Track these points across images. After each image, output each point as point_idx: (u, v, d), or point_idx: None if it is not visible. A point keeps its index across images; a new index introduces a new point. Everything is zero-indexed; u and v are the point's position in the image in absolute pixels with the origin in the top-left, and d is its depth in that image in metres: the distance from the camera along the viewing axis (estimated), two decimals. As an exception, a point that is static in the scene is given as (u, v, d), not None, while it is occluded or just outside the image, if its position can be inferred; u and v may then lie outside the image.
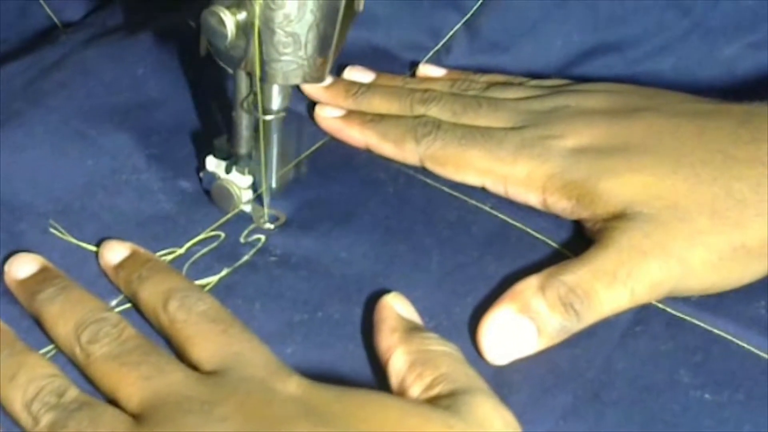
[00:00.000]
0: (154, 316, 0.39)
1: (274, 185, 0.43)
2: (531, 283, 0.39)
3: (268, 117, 0.41)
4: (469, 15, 0.54)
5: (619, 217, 0.41)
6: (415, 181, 0.47)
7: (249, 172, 0.44)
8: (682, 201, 0.41)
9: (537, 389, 0.38)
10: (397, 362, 0.36)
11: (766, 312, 0.41)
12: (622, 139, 0.44)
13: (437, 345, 0.37)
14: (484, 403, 0.35)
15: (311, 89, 0.51)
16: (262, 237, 0.44)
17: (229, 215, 0.44)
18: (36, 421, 0.35)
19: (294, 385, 0.35)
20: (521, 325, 0.38)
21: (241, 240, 0.44)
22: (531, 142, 0.45)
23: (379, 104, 0.50)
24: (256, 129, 0.42)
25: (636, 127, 0.44)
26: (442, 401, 0.34)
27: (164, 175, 0.45)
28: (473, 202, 0.46)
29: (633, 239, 0.40)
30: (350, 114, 0.49)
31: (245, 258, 0.42)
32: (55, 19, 0.58)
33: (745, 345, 0.40)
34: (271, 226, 0.44)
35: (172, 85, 0.50)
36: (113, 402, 0.36)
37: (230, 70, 0.41)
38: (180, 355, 0.37)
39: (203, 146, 0.46)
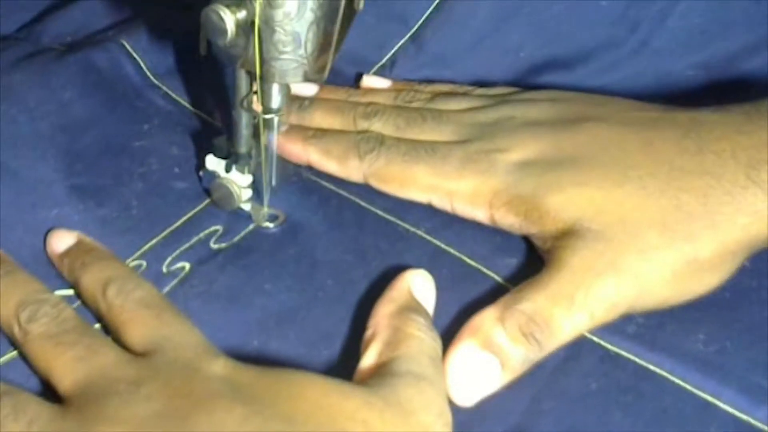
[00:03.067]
0: (93, 302, 0.39)
1: (274, 184, 0.44)
2: (489, 315, 0.38)
3: (268, 116, 0.41)
4: (414, 28, 0.53)
5: (568, 235, 0.41)
6: (346, 205, 0.46)
7: (249, 171, 0.44)
8: (630, 215, 0.40)
9: (459, 429, 0.36)
10: (376, 330, 0.37)
11: (703, 346, 0.40)
12: (567, 152, 0.43)
13: (417, 330, 0.37)
14: (421, 391, 0.35)
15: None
16: (186, 265, 0.42)
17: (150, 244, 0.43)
18: None
19: (220, 366, 0.35)
20: (484, 361, 0.38)
21: (164, 270, 0.42)
22: (476, 157, 0.44)
23: (321, 119, 0.49)
24: (255, 128, 0.42)
25: (581, 139, 0.44)
26: (381, 379, 0.35)
27: (84, 206, 0.44)
28: (407, 226, 0.45)
29: (585, 259, 0.39)
30: (292, 129, 0.48)
31: (165, 290, 0.41)
32: (-10, 33, 0.57)
33: (679, 382, 0.39)
34: (271, 225, 0.44)
35: (100, 107, 0.49)
36: (49, 383, 0.36)
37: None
38: (116, 340, 0.38)
39: (203, 146, 0.46)
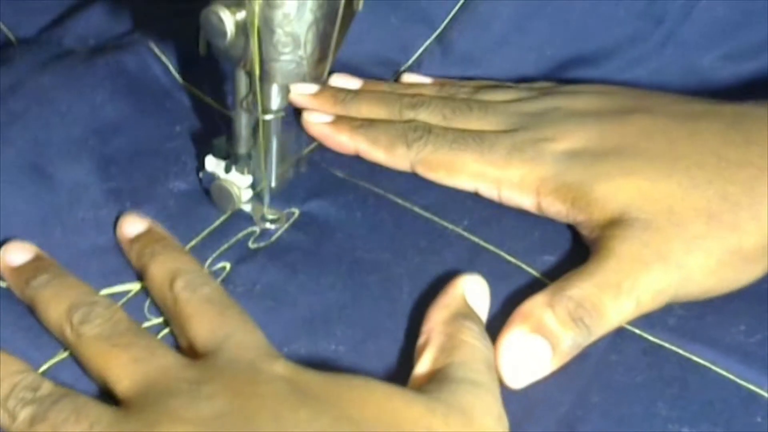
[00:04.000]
0: (159, 292, 0.39)
1: (273, 184, 0.43)
2: (538, 301, 0.39)
3: (268, 116, 0.41)
4: (440, 29, 0.53)
5: (615, 224, 0.41)
6: (384, 204, 0.46)
7: (248, 172, 0.43)
8: (677, 205, 0.41)
9: (509, 426, 0.36)
10: (430, 336, 0.37)
11: (744, 337, 0.40)
12: (614, 142, 0.44)
13: (472, 337, 0.37)
14: (479, 397, 0.35)
15: (298, 98, 0.50)
16: (227, 265, 0.42)
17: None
18: (13, 418, 0.34)
19: (281, 367, 0.35)
20: (536, 345, 0.38)
21: (205, 270, 0.42)
22: (523, 146, 0.45)
23: (368, 110, 0.49)
24: (255, 128, 0.42)
25: (628, 129, 0.44)
26: (439, 385, 0.35)
27: (122, 208, 0.44)
28: (445, 223, 0.45)
29: (633, 248, 0.40)
30: (339, 120, 0.49)
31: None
32: (11, 36, 0.57)
33: (723, 373, 0.39)
34: (271, 226, 0.44)
35: (131, 109, 0.48)
36: (103, 384, 0.36)
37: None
38: (179, 333, 0.38)
39: (202, 146, 0.46)
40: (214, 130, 0.49)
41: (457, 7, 0.53)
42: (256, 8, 0.37)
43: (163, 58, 0.52)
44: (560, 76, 0.53)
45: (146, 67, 0.51)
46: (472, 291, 0.40)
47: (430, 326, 0.38)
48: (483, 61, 0.53)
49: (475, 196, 0.46)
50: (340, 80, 0.52)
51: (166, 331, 0.40)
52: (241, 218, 0.45)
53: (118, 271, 0.42)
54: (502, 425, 0.35)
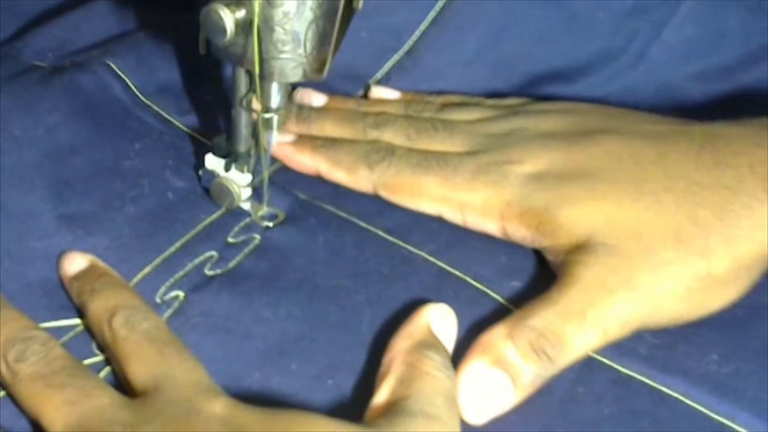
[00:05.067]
0: (99, 330, 0.38)
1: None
2: (498, 332, 0.38)
3: (268, 115, 0.41)
4: (410, 43, 0.52)
5: (581, 249, 0.40)
6: (347, 227, 0.45)
7: (248, 170, 0.43)
8: (645, 230, 0.40)
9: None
10: (390, 366, 0.36)
11: (717, 367, 0.39)
12: (581, 164, 0.42)
13: (434, 368, 0.36)
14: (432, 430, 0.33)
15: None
16: (181, 294, 0.41)
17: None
18: None
19: (220, 406, 0.34)
20: (496, 379, 0.37)
21: (158, 300, 0.41)
22: (488, 168, 0.44)
23: (331, 128, 0.48)
24: (255, 127, 0.42)
25: (595, 151, 0.43)
26: (393, 418, 0.34)
27: (74, 236, 0.43)
28: (410, 247, 0.44)
29: (599, 275, 0.39)
30: (301, 139, 0.48)
31: (159, 322, 0.40)
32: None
33: (695, 405, 0.38)
34: (270, 224, 0.44)
35: (87, 130, 0.47)
36: (38, 424, 0.35)
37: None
38: (119, 371, 0.37)
39: (201, 145, 0.46)
40: (178, 145, 0.48)
41: (427, 22, 0.52)
42: (256, 6, 0.37)
43: (123, 76, 0.51)
44: (532, 92, 0.52)
45: (105, 86, 0.50)
46: (438, 320, 0.38)
47: (391, 356, 0.37)
48: (453, 76, 0.52)
49: (441, 220, 0.45)
50: (305, 95, 0.51)
51: (111, 367, 0.38)
52: (198, 242, 0.43)
53: (67, 305, 0.40)
54: None
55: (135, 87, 0.51)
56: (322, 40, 0.39)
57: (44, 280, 0.41)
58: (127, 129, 0.48)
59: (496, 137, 0.45)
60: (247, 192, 0.44)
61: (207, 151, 0.45)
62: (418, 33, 0.52)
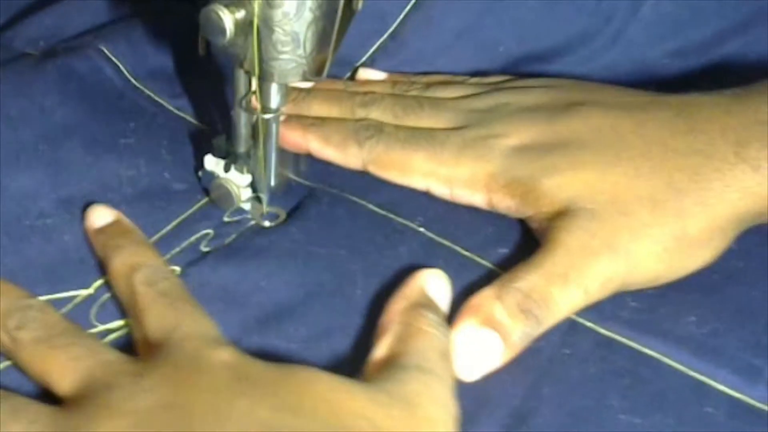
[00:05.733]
0: (119, 285, 0.40)
1: (273, 183, 0.44)
2: (487, 294, 0.39)
3: (267, 115, 0.41)
4: (393, 26, 0.53)
5: (563, 215, 0.41)
6: (339, 201, 0.46)
7: (248, 171, 0.44)
8: (623, 195, 0.41)
9: (462, 419, 0.36)
10: (388, 326, 0.38)
11: (695, 328, 0.41)
12: (562, 136, 0.44)
13: (428, 326, 0.37)
14: (427, 384, 0.35)
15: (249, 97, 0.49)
16: (177, 269, 0.42)
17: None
18: None
19: (226, 354, 0.35)
20: (486, 338, 0.38)
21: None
22: (473, 143, 0.45)
23: (319, 108, 0.49)
24: (254, 128, 0.42)
25: (575, 123, 0.44)
26: (388, 373, 0.35)
27: (71, 216, 0.44)
28: (401, 220, 0.45)
29: (580, 239, 0.40)
30: (291, 119, 0.49)
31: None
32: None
33: (674, 364, 0.39)
34: (271, 224, 0.44)
35: (82, 111, 0.48)
36: (47, 387, 0.36)
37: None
38: (135, 326, 0.38)
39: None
40: (172, 127, 0.49)
41: (410, 6, 0.53)
42: (256, 7, 0.37)
43: (116, 60, 0.52)
44: (514, 72, 0.53)
45: (97, 69, 0.51)
46: (433, 283, 0.40)
47: (388, 316, 0.39)
48: (436, 58, 0.53)
49: (429, 195, 0.46)
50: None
51: (112, 336, 0.39)
52: (194, 221, 0.45)
53: (64, 278, 0.41)
54: (448, 413, 0.35)
55: (127, 71, 0.52)
56: (321, 40, 0.39)
57: (43, 256, 0.42)
58: (121, 110, 0.49)
59: (480, 113, 0.47)
60: (246, 192, 0.44)
61: (198, 135, 0.46)
62: (401, 16, 0.53)
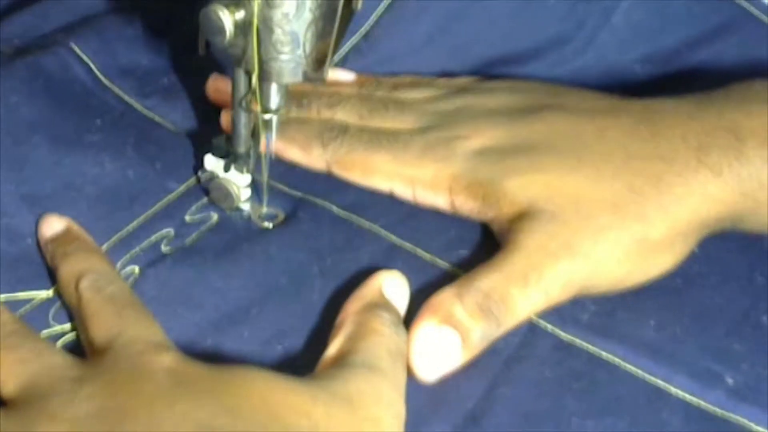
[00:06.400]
0: (66, 292, 0.40)
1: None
2: (447, 293, 0.39)
3: (267, 116, 0.41)
4: (366, 27, 0.54)
5: (524, 217, 0.42)
6: (302, 205, 0.46)
7: (247, 171, 0.44)
8: (584, 198, 0.41)
9: (415, 419, 0.36)
10: (342, 325, 0.38)
11: (654, 332, 0.41)
12: (524, 139, 0.44)
13: (380, 325, 0.37)
14: (372, 383, 0.35)
15: (216, 94, 0.50)
16: (136, 269, 0.42)
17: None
18: None
19: (168, 359, 0.35)
20: (446, 337, 0.38)
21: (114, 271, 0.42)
22: (436, 144, 0.45)
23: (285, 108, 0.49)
24: (254, 128, 0.43)
25: (538, 126, 0.45)
26: (334, 372, 0.35)
27: (34, 216, 0.43)
28: (363, 222, 0.45)
29: (540, 240, 0.40)
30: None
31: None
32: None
33: (632, 369, 0.40)
34: (270, 225, 0.44)
35: (49, 108, 0.48)
36: None
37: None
38: (82, 333, 0.39)
39: (200, 145, 0.46)
40: (139, 126, 0.49)
41: (383, 7, 0.53)
42: (255, 7, 0.38)
43: (86, 58, 0.52)
44: (485, 74, 0.53)
45: (66, 67, 0.51)
46: (390, 285, 0.40)
47: (343, 316, 0.39)
48: (408, 58, 0.53)
49: (393, 197, 0.46)
50: None
51: (67, 337, 0.40)
52: (155, 221, 0.45)
53: (26, 279, 0.41)
54: (393, 413, 0.35)
55: (97, 69, 0.51)
56: (321, 41, 0.39)
57: (4, 256, 0.42)
58: (89, 107, 0.49)
59: (444, 115, 0.47)
60: (246, 192, 0.44)
61: (168, 137, 0.46)
62: (374, 17, 0.53)
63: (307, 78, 0.40)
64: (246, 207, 0.45)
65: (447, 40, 0.53)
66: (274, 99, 0.41)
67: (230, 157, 0.44)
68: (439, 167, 0.44)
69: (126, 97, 0.51)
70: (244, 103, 0.42)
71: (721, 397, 0.38)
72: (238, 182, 0.44)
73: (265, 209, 0.44)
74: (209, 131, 0.47)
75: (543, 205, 0.41)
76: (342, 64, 0.54)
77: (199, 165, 0.45)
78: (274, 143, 0.43)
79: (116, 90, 0.51)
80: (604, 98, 0.46)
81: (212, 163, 0.44)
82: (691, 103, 0.43)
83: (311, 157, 0.47)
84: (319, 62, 0.40)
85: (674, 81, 0.52)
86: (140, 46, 0.54)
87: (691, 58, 0.52)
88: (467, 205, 0.44)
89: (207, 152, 0.45)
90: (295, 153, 0.47)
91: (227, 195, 0.44)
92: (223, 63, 0.40)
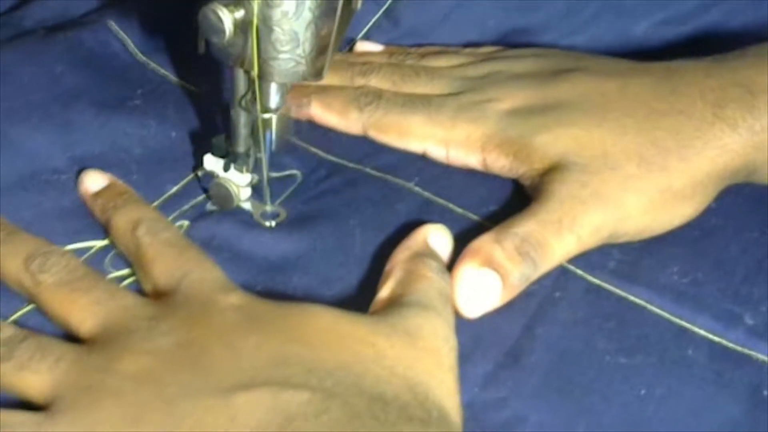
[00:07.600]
0: (123, 240, 0.41)
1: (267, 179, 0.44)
2: (487, 238, 0.41)
3: (267, 115, 0.42)
4: (387, 3, 0.56)
5: (554, 169, 0.44)
6: (338, 168, 0.48)
7: (247, 170, 0.44)
8: (610, 150, 0.43)
9: (459, 357, 0.38)
10: (391, 272, 0.40)
11: (677, 278, 0.43)
12: (551, 99, 0.46)
13: (428, 271, 0.39)
14: (427, 319, 0.37)
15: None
16: (185, 223, 0.44)
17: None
18: None
19: (235, 298, 0.37)
20: (487, 278, 0.40)
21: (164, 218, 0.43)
22: (468, 107, 0.47)
23: None
24: (254, 127, 0.43)
25: (564, 87, 0.47)
26: (391, 310, 0.37)
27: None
28: (398, 180, 0.47)
29: (571, 189, 0.43)
30: (293, 88, 0.49)
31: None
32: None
33: (657, 311, 0.42)
34: (272, 224, 0.44)
35: (91, 78, 0.50)
36: (67, 329, 0.37)
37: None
38: (143, 277, 0.40)
39: (200, 145, 0.47)
40: (177, 93, 0.51)
41: (403, -15, 0.55)
42: (255, 7, 0.38)
43: (122, 35, 0.54)
44: (503, 45, 0.55)
45: (105, 43, 0.53)
46: (435, 237, 0.42)
47: (392, 264, 0.41)
48: (429, 33, 0.55)
49: (425, 159, 0.48)
50: None
51: (127, 281, 0.41)
52: (201, 182, 0.46)
53: (80, 230, 0.43)
54: (449, 346, 0.37)
55: (134, 46, 0.53)
56: (320, 40, 0.39)
57: (58, 209, 0.44)
58: (128, 78, 0.51)
59: (474, 80, 0.49)
60: (246, 192, 0.45)
61: (203, 107, 0.47)
62: (394, -6, 0.55)
63: (305, 78, 0.40)
64: (246, 206, 0.45)
65: (463, 15, 0.55)
66: (274, 98, 0.41)
67: (229, 156, 0.44)
68: (472, 128, 0.47)
69: (162, 71, 0.53)
70: (243, 103, 0.42)
71: (741, 336, 0.41)
72: (238, 182, 0.44)
73: (268, 207, 0.45)
74: (209, 131, 0.47)
75: (572, 157, 0.44)
76: (365, 40, 0.56)
77: (199, 164, 0.45)
78: (274, 143, 0.43)
79: (153, 64, 0.53)
80: (625, 62, 0.49)
81: (212, 162, 0.44)
82: (708, 63, 0.46)
83: (349, 121, 0.49)
84: (318, 61, 0.40)
85: (688, 44, 0.54)
86: (174, 24, 0.55)
87: (704, 19, 0.54)
88: (499, 163, 0.46)
89: (206, 152, 0.45)
90: (332, 118, 0.49)
91: (227, 195, 0.44)
92: (223, 62, 0.40)
